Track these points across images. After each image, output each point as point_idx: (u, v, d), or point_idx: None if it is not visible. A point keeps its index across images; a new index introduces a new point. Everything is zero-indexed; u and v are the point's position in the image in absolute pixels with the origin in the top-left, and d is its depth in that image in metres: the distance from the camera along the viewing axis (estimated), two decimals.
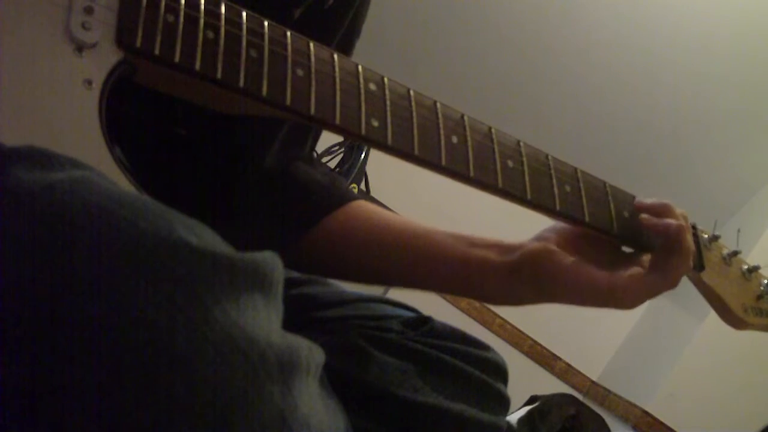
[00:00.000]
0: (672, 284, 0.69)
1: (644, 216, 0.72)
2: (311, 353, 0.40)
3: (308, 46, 0.59)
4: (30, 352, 0.32)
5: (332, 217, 0.75)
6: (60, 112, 0.48)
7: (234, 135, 0.70)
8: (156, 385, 0.32)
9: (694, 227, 0.76)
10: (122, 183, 0.47)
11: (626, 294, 0.68)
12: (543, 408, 2.08)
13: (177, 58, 0.52)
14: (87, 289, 0.33)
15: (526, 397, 2.30)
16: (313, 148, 0.85)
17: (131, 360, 0.32)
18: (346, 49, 0.79)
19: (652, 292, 0.69)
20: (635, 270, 0.69)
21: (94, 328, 0.32)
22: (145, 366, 0.32)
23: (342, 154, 2.59)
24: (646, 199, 0.74)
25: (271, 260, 0.39)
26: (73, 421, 0.32)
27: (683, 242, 0.69)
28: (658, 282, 0.69)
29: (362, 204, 0.78)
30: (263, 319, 0.37)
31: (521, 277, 0.71)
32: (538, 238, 0.73)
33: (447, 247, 0.74)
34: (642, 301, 0.69)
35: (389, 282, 0.79)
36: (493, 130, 0.67)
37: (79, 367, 0.32)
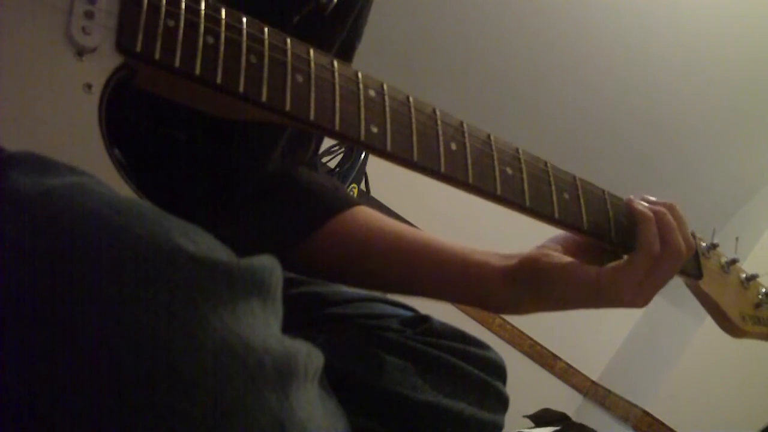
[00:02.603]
0: (666, 271, 0.69)
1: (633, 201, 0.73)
2: (310, 358, 0.39)
3: (308, 52, 0.59)
4: (26, 358, 0.32)
5: (335, 220, 0.75)
6: (60, 116, 0.48)
7: (234, 140, 0.70)
8: (153, 393, 0.32)
9: (693, 235, 0.76)
10: (121, 187, 0.47)
11: (612, 285, 0.68)
12: None
13: (177, 63, 0.52)
14: (83, 297, 0.33)
15: (526, 397, 2.30)
16: (316, 153, 0.85)
17: (128, 368, 0.32)
18: (347, 52, 0.79)
19: (637, 279, 0.68)
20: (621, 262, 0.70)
21: (91, 335, 0.32)
22: (142, 374, 0.32)
23: (342, 154, 2.58)
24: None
25: (269, 264, 0.39)
26: (70, 429, 0.32)
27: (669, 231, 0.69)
28: (643, 264, 0.68)
29: (364, 209, 0.78)
30: (261, 325, 0.37)
31: (519, 279, 0.72)
32: (539, 247, 0.74)
33: (447, 252, 0.74)
34: (635, 293, 0.68)
35: (389, 288, 0.79)
36: (492, 137, 0.67)
37: (76, 374, 0.32)
